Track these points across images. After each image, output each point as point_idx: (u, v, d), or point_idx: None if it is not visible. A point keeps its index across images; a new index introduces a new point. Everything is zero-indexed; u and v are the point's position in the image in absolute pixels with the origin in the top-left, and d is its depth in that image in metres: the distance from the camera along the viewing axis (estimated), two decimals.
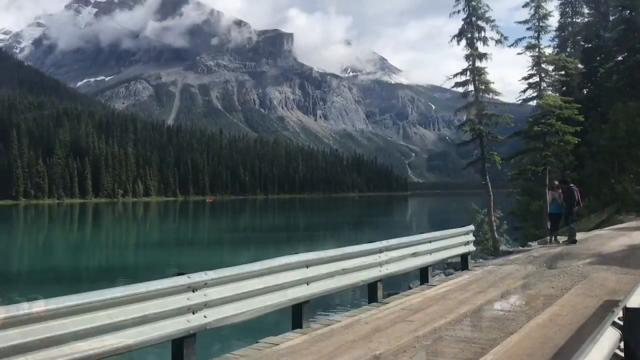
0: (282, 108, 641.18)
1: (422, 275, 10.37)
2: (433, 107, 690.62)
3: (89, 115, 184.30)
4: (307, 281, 6.91)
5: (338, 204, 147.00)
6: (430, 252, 10.22)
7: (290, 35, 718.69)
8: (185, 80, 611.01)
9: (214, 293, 5.46)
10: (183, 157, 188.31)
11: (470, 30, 17.83)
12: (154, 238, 51.75)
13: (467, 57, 18.09)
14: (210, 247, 42.09)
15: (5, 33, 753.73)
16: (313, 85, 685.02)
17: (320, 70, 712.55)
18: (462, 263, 12.12)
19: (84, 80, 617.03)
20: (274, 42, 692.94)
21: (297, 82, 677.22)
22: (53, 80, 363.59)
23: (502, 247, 17.80)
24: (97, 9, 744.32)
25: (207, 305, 5.35)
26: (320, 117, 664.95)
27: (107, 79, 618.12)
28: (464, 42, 17.97)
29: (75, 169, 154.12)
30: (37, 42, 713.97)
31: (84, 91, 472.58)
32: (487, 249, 18.43)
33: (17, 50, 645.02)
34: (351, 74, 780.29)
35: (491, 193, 18.51)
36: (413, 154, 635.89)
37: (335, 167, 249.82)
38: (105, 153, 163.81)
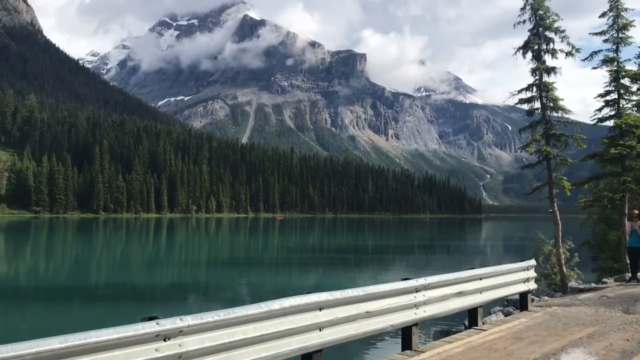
0: (354, 127, 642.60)
1: (470, 317, 9.12)
2: (509, 127, 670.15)
3: (167, 134, 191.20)
4: (320, 327, 5.90)
5: (408, 225, 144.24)
6: (480, 290, 8.97)
7: (363, 56, 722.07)
8: (260, 100, 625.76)
9: (192, 343, 4.58)
10: (255, 175, 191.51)
11: (537, 42, 16.23)
12: (225, 254, 52.04)
13: (533, 72, 16.47)
14: (278, 266, 41.59)
15: (93, 55, 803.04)
16: (385, 105, 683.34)
17: (392, 90, 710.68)
18: (520, 303, 10.72)
19: (165, 100, 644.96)
20: (347, 62, 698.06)
21: (369, 101, 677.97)
22: (136, 100, 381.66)
23: (572, 284, 15.95)
24: (178, 32, 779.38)
25: (181, 358, 4.48)
26: (391, 137, 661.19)
27: (186, 98, 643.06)
28: (529, 55, 16.44)
29: (152, 184, 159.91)
30: (122, 64, 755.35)
31: (164, 110, 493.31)
32: (554, 284, 16.62)
33: (104, 71, 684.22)
34: (424, 93, 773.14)
35: (559, 222, 16.70)
36: (488, 176, 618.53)
37: (406, 188, 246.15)
38: (181, 170, 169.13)
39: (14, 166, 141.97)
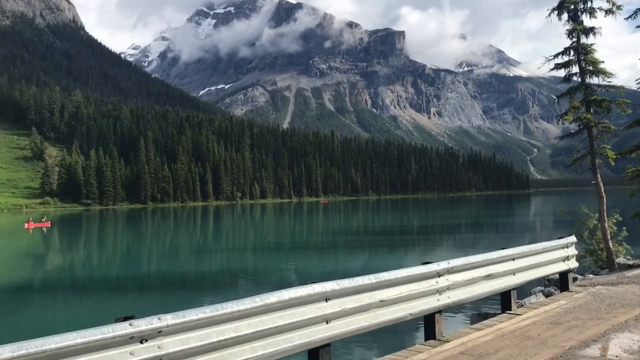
0: (395, 107, 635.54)
1: (503, 301, 8.44)
2: (556, 99, 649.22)
3: (209, 122, 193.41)
4: (327, 319, 5.43)
5: (454, 204, 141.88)
6: (513, 272, 8.30)
7: (402, 33, 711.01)
8: (299, 84, 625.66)
9: (173, 344, 4.16)
10: (297, 160, 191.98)
11: (574, 1, 14.97)
12: (271, 239, 52.13)
13: (569, 34, 15.19)
14: (323, 250, 41.21)
15: (134, 48, 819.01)
16: (426, 83, 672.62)
17: (433, 67, 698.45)
18: (560, 283, 9.99)
19: (206, 89, 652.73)
20: (385, 41, 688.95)
21: (410, 80, 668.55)
22: (177, 90, 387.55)
23: (620, 260, 14.92)
24: (215, 20, 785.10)
25: None
26: (434, 115, 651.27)
27: (226, 86, 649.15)
28: (565, 16, 15.15)
29: (197, 173, 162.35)
30: (162, 55, 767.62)
31: (206, 99, 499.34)
32: (601, 261, 15.56)
33: (146, 64, 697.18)
34: (466, 68, 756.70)
35: (603, 194, 15.58)
36: (535, 150, 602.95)
37: (450, 166, 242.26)
38: (224, 158, 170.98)
39: (63, 161, 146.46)
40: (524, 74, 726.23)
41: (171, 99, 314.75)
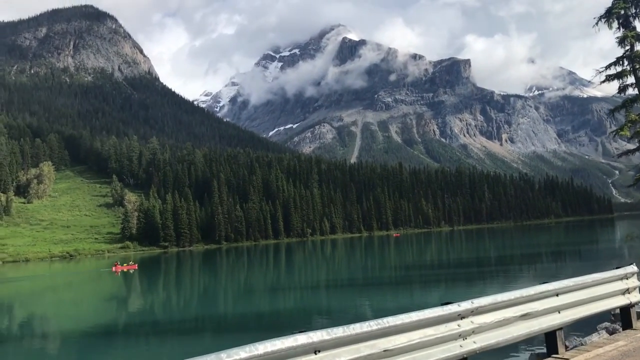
0: (464, 135, 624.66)
1: (548, 343, 7.63)
2: (610, 112, 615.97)
3: (278, 162, 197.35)
4: None
5: (532, 231, 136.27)
6: (557, 309, 7.50)
7: (467, 62, 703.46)
8: (365, 119, 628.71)
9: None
10: (365, 194, 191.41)
11: (623, 6, 14.05)
12: (343, 275, 51.77)
13: (620, 42, 14.21)
14: (398, 284, 40.41)
15: (206, 95, 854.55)
16: (495, 109, 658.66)
17: (502, 93, 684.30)
18: (622, 320, 9.06)
19: (275, 130, 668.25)
20: (451, 70, 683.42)
21: (478, 107, 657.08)
22: (248, 133, 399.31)
23: None
24: (282, 63, 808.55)
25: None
26: (506, 141, 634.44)
27: (294, 126, 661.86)
28: (615, 23, 14.24)
29: (268, 212, 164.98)
30: (233, 100, 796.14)
31: (275, 139, 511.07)
32: None
33: (217, 109, 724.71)
34: (537, 92, 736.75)
35: None
36: (617, 172, 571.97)
37: (526, 193, 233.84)
38: (294, 195, 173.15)
39: (142, 206, 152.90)
40: (598, 94, 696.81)
41: (242, 141, 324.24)
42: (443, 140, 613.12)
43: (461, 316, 6.26)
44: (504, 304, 6.78)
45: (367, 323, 5.49)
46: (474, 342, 6.29)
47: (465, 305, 6.34)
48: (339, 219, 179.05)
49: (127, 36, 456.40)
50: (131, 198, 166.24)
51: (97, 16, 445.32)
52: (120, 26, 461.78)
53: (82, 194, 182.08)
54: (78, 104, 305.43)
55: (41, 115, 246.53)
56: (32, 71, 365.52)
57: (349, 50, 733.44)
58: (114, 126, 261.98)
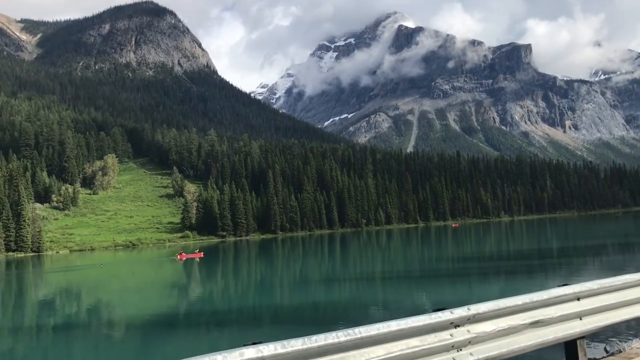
0: (525, 123, 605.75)
1: (568, 354, 6.88)
2: None
3: (332, 152, 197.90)
4: None
5: (597, 222, 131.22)
6: (579, 315, 6.72)
7: (528, 47, 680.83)
8: (422, 107, 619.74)
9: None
10: (421, 183, 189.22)
11: None
12: (399, 266, 51.49)
13: None
14: (456, 276, 39.87)
15: (263, 87, 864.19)
16: (558, 95, 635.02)
17: (565, 78, 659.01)
18: None
19: (330, 120, 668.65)
20: (511, 56, 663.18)
21: (540, 93, 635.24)
22: (303, 124, 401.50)
23: None
24: (337, 53, 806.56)
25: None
26: (569, 128, 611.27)
27: (349, 116, 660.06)
28: None
29: (322, 202, 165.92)
30: (288, 91, 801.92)
31: (330, 130, 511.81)
32: None
33: (273, 101, 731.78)
34: (603, 77, 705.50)
35: None
36: None
37: (590, 182, 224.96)
38: (348, 185, 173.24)
39: (200, 196, 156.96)
40: None
41: (297, 132, 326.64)
42: (503, 127, 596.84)
43: (455, 324, 5.60)
44: (509, 310, 6.08)
45: (333, 334, 4.83)
46: (471, 354, 5.61)
47: (460, 312, 5.66)
48: (395, 209, 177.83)
49: (186, 31, 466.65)
50: (190, 189, 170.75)
51: (158, 12, 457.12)
52: (180, 21, 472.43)
53: (145, 185, 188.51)
54: (140, 98, 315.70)
55: (105, 109, 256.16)
56: (97, 67, 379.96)
57: (405, 38, 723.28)
58: (174, 119, 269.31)
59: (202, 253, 77.55)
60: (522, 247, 68.85)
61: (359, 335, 4.80)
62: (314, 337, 4.68)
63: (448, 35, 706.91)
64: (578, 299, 6.83)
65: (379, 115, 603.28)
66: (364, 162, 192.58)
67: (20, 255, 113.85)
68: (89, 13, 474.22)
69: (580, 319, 6.75)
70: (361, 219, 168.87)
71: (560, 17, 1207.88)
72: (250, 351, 4.37)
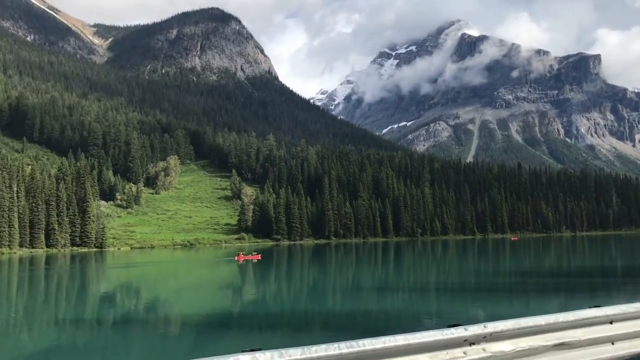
0: (592, 135, 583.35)
1: None
2: None
3: (389, 159, 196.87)
4: None
5: None
6: (611, 340, 6.29)
7: (597, 57, 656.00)
8: (483, 116, 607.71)
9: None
10: (480, 195, 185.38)
11: None
12: (455, 279, 50.56)
13: None
14: (512, 292, 38.79)
15: (322, 93, 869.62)
16: (628, 108, 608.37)
17: (636, 90, 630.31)
18: None
19: (388, 127, 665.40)
20: (578, 66, 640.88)
21: (608, 105, 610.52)
22: (361, 130, 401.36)
23: None
24: (398, 60, 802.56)
25: None
26: (639, 142, 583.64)
27: (408, 124, 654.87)
28: None
29: (377, 209, 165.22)
30: (347, 98, 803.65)
31: (388, 137, 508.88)
32: None
33: (332, 107, 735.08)
34: None
35: None
36: None
37: None
38: (404, 194, 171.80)
39: (257, 200, 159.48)
40: None
41: (355, 139, 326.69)
42: (568, 140, 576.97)
43: (469, 342, 5.33)
44: (531, 330, 5.71)
45: (335, 345, 4.62)
46: None
47: (475, 329, 5.40)
48: (451, 220, 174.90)
49: (249, 37, 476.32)
50: (248, 192, 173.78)
51: (223, 18, 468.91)
52: (244, 27, 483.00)
53: (204, 187, 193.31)
54: (203, 102, 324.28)
55: (170, 112, 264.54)
56: (163, 71, 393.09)
57: (468, 46, 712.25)
58: (235, 123, 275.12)
59: (259, 255, 78.56)
60: (584, 263, 66.26)
61: (362, 348, 4.62)
62: (314, 347, 4.52)
63: (513, 44, 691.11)
64: (611, 322, 6.49)
65: (439, 123, 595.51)
66: (421, 170, 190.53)
67: (84, 250, 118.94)
68: (157, 19, 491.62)
69: (613, 343, 6.38)
70: (416, 229, 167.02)
71: (633, 26, 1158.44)
72: (246, 357, 4.28)
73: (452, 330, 5.23)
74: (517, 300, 31.90)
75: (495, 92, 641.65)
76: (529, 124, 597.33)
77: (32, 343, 19.97)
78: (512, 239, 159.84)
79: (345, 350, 4.55)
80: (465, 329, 5.33)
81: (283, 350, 4.43)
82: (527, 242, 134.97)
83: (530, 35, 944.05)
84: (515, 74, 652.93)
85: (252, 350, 4.40)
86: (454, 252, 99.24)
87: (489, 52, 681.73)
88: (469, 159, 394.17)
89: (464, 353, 5.20)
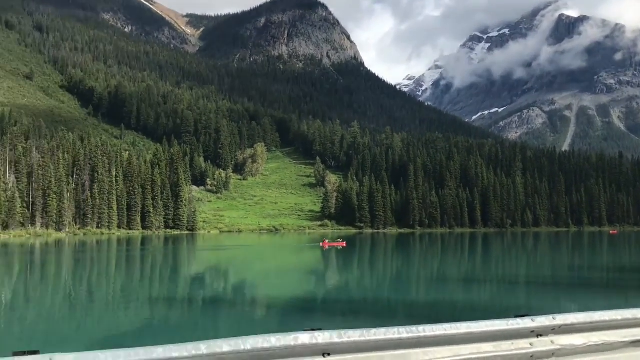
0: None
1: None
2: None
3: (478, 147, 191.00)
4: None
5: None
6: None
7: None
8: (581, 102, 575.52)
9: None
10: (576, 185, 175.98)
11: None
12: (547, 272, 48.38)
13: None
14: (609, 288, 36.78)
15: (409, 79, 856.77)
16: None
17: None
18: None
19: (478, 114, 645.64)
20: None
21: None
22: (450, 117, 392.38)
23: None
24: (489, 44, 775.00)
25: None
26: None
27: (500, 110, 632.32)
28: None
29: (464, 199, 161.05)
30: (435, 83, 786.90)
31: (478, 124, 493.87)
32: None
33: (419, 93, 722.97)
34: None
35: None
36: None
37: None
38: (494, 183, 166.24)
39: (340, 187, 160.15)
40: None
41: (443, 126, 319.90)
42: None
43: (537, 333, 5.09)
44: (604, 325, 5.39)
45: (394, 329, 4.56)
46: None
47: (543, 320, 5.16)
48: (544, 211, 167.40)
49: (336, 23, 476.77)
50: (331, 179, 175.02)
51: (310, 5, 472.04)
52: (331, 14, 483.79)
53: (289, 174, 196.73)
54: (290, 90, 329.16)
55: (257, 100, 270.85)
56: (252, 59, 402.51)
57: (566, 27, 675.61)
58: (320, 110, 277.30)
59: (344, 242, 78.93)
60: None
61: (422, 334, 4.53)
62: (373, 330, 4.50)
63: (617, 24, 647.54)
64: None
65: (533, 110, 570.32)
66: (512, 159, 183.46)
67: (177, 232, 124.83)
68: (246, 7, 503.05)
69: None
70: (506, 220, 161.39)
71: None
72: (306, 336, 4.35)
73: (519, 320, 5.06)
74: (615, 296, 30.01)
75: (596, 77, 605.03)
76: (633, 110, 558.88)
77: (128, 319, 21.09)
78: (611, 232, 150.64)
79: (405, 335, 4.50)
80: (532, 320, 5.15)
81: (342, 332, 4.45)
82: (627, 236, 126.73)
83: (636, 14, 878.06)
84: (618, 56, 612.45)
85: (313, 330, 4.44)
86: (547, 244, 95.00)
87: (589, 34, 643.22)
88: (565, 147, 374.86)
89: (531, 344, 4.98)
